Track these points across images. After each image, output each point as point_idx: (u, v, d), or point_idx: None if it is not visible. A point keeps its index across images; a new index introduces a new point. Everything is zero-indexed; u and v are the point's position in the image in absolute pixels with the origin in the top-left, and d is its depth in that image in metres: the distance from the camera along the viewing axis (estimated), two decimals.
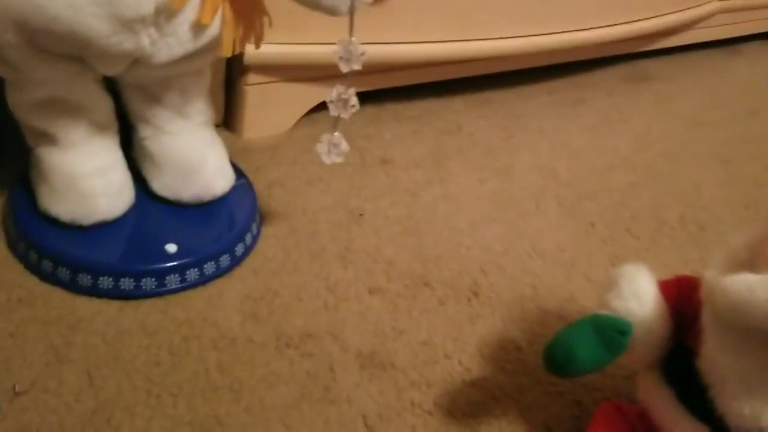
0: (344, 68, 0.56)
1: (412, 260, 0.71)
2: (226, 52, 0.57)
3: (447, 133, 0.94)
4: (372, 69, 0.88)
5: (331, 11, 0.55)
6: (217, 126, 0.82)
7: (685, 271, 0.55)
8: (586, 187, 0.89)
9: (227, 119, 0.83)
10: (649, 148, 1.00)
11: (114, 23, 0.50)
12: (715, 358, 0.44)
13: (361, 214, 0.75)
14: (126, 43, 0.52)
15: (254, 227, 0.68)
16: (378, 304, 0.64)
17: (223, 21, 0.56)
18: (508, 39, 0.96)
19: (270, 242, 0.69)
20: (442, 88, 1.02)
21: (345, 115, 0.58)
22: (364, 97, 0.94)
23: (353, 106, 0.58)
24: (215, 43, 0.57)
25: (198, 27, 0.55)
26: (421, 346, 0.61)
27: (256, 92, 0.80)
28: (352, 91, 0.58)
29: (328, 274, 0.67)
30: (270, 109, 0.82)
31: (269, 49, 0.76)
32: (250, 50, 0.75)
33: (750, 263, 0.44)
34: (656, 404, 0.49)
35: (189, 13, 0.54)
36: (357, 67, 0.56)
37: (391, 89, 0.96)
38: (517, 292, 0.70)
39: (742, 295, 0.41)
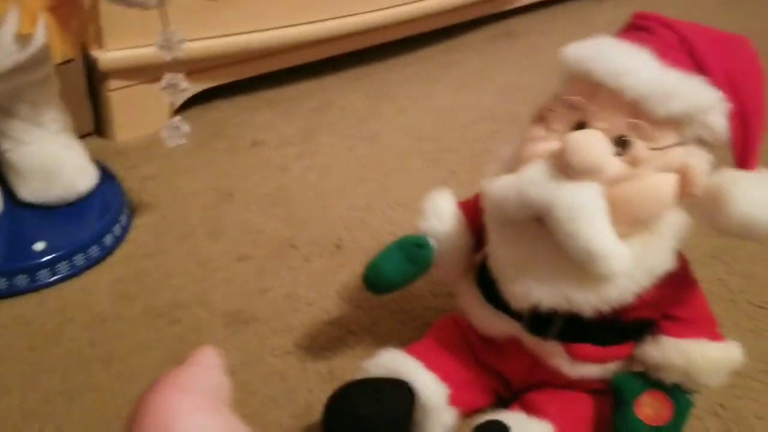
0: (166, 56, 0.62)
1: (280, 227, 0.76)
2: (57, 58, 0.62)
3: (318, 110, 1.00)
4: (231, 60, 0.94)
5: (142, 5, 0.60)
6: (89, 134, 0.87)
7: None
8: (449, 141, 0.95)
9: (98, 126, 0.88)
10: (511, 99, 1.07)
11: None
12: (495, 251, 0.50)
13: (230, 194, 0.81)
14: None
15: (123, 218, 0.73)
16: (245, 270, 0.70)
17: (48, 29, 0.61)
18: (363, 14, 1.02)
19: (141, 230, 0.74)
20: (316, 67, 1.07)
21: (177, 101, 0.64)
22: (236, 87, 1.00)
23: (184, 90, 0.64)
24: (45, 51, 0.62)
25: (21, 37, 0.59)
26: (285, 299, 0.67)
27: (120, 97, 0.85)
28: (180, 77, 0.63)
29: (198, 250, 0.72)
30: (138, 110, 0.87)
31: (123, 54, 0.81)
32: (103, 57, 0.80)
33: (512, 168, 0.50)
34: (468, 306, 0.55)
35: (11, 25, 0.59)
36: (179, 54, 0.62)
37: (265, 75, 1.02)
38: (377, 240, 0.76)
39: (498, 193, 0.47)
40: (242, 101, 1.00)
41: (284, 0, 0.93)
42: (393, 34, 1.13)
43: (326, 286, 0.69)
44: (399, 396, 0.48)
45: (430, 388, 0.51)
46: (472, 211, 0.56)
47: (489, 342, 0.56)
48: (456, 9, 1.17)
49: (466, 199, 0.57)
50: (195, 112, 0.95)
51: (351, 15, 1.02)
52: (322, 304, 0.67)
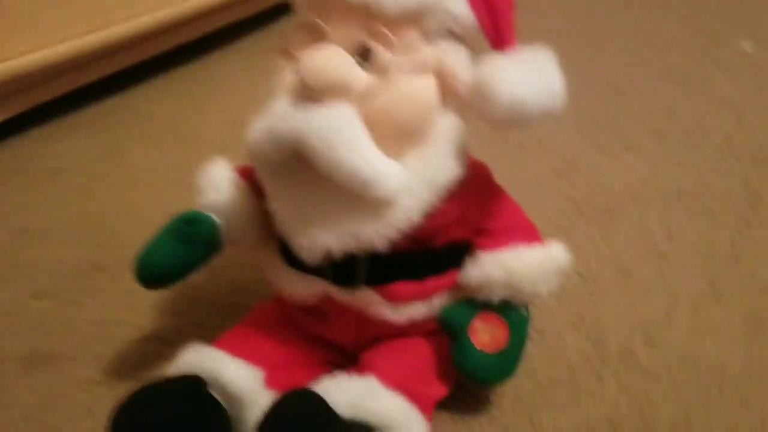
0: None
1: (84, 252, 0.68)
2: None
3: (123, 124, 0.92)
4: (10, 90, 0.84)
5: None
6: None
7: None
8: None
9: None
10: None
11: None
12: (276, 208, 0.45)
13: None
14: None
15: None
16: (42, 306, 0.61)
17: None
18: (152, 13, 0.95)
19: None
20: (118, 81, 0.99)
21: None
22: (28, 118, 0.90)
23: None
24: None
25: None
26: (90, 327, 0.59)
27: None
28: None
29: None
30: None
31: None
32: None
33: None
34: (274, 276, 0.49)
35: None
36: None
37: (60, 99, 0.92)
38: None
39: (251, 139, 0.43)
40: (37, 131, 0.90)
41: (55, 12, 0.84)
42: (196, 31, 1.06)
43: (139, 303, 0.61)
44: (186, 392, 0.42)
45: (239, 375, 0.45)
46: (252, 174, 0.50)
47: (310, 312, 0.50)
48: None
49: (243, 164, 0.52)
50: None
51: (138, 15, 0.94)
52: (135, 322, 0.59)
